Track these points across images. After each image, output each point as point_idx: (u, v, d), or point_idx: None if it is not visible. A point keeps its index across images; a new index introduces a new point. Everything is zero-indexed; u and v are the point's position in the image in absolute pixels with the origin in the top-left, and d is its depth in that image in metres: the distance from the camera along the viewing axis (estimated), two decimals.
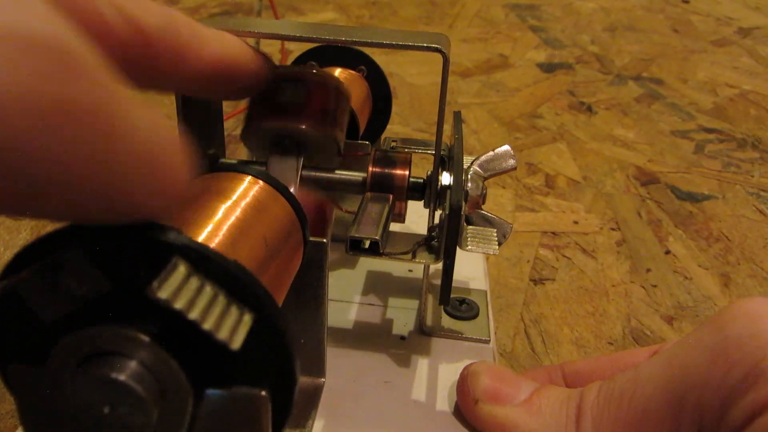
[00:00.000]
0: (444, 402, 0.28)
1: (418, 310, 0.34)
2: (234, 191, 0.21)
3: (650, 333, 0.45)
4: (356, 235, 0.26)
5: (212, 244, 0.17)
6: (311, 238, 0.24)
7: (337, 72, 0.38)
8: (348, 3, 1.22)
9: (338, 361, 0.29)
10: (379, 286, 0.36)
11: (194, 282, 0.15)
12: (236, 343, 0.15)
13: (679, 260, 0.54)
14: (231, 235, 0.18)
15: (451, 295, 0.34)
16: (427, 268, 0.34)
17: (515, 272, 0.51)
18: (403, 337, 0.32)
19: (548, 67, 0.97)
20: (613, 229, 0.58)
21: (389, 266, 0.37)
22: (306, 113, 0.27)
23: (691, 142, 0.75)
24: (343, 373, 0.29)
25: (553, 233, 0.56)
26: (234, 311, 0.15)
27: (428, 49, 0.25)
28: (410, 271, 0.37)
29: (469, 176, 0.29)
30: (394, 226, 0.29)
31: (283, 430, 0.17)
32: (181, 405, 0.15)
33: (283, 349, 0.16)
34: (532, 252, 0.54)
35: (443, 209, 0.28)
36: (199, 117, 0.28)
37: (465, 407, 0.26)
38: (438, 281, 0.32)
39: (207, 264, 0.15)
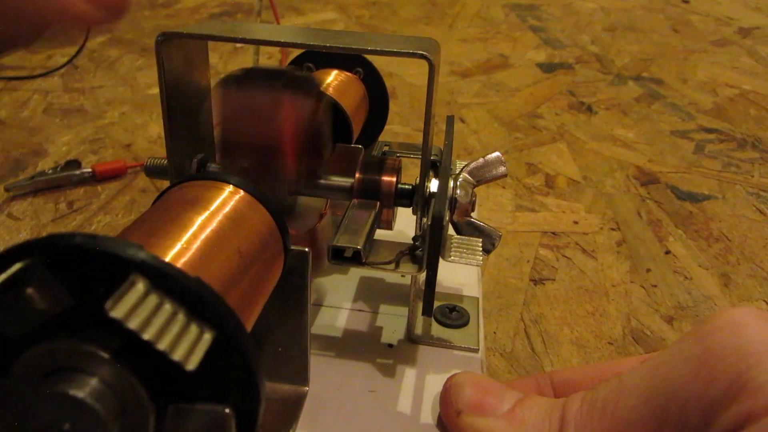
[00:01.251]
0: (428, 412, 0.28)
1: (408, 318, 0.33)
2: (211, 201, 0.20)
3: (650, 333, 0.45)
4: (338, 244, 0.25)
5: (182, 258, 0.17)
6: (293, 248, 0.24)
7: (333, 74, 0.38)
8: (348, 3, 1.22)
9: (324, 369, 0.29)
10: (371, 293, 0.35)
11: (153, 299, 0.15)
12: (192, 364, 0.15)
13: (679, 260, 0.54)
14: (203, 248, 0.18)
15: (443, 303, 0.34)
16: (414, 275, 0.33)
17: (515, 272, 0.51)
18: (391, 345, 0.32)
19: (548, 67, 0.97)
20: (613, 229, 0.58)
21: (382, 272, 0.37)
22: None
23: (691, 142, 0.75)
24: (329, 381, 0.29)
25: (553, 233, 0.56)
26: (193, 330, 0.15)
27: (413, 55, 0.25)
28: (403, 276, 0.37)
29: (458, 183, 0.29)
30: (382, 233, 0.29)
31: None
32: (142, 422, 0.15)
33: (246, 367, 0.16)
34: (532, 252, 0.54)
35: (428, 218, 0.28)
36: (186, 119, 0.28)
37: (447, 419, 0.26)
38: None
39: (166, 281, 0.15)
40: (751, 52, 1.06)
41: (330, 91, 0.35)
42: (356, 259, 0.26)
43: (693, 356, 0.21)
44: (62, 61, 0.93)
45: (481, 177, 0.30)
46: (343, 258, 0.26)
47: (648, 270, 0.52)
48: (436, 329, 0.33)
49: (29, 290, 0.14)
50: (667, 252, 0.55)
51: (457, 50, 1.01)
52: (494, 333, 0.44)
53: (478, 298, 0.36)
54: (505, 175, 0.31)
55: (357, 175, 0.29)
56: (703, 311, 0.48)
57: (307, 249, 0.24)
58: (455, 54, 1.00)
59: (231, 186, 0.22)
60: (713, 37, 1.13)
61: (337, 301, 0.35)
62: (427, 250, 0.27)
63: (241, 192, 0.22)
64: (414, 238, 0.28)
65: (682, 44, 1.09)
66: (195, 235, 0.18)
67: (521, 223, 0.58)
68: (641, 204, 0.62)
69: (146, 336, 0.14)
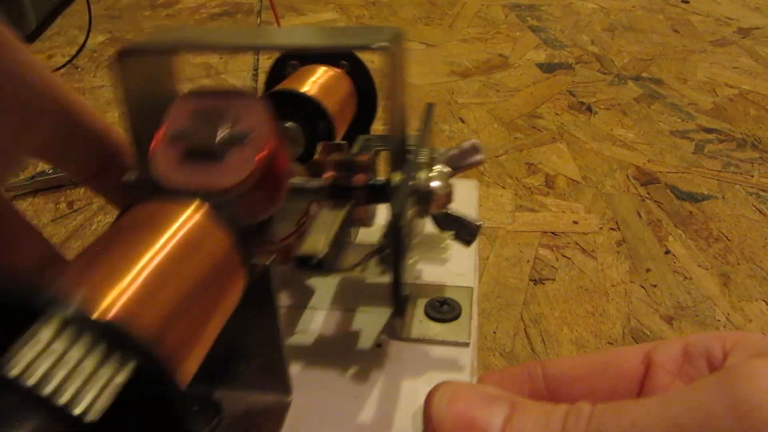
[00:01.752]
0: (413, 416, 0.27)
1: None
2: (164, 222, 0.20)
3: (650, 333, 0.45)
4: (302, 253, 0.25)
5: (122, 290, 0.17)
6: (254, 262, 0.23)
7: (319, 71, 0.37)
8: (348, 3, 1.22)
9: (309, 375, 0.29)
10: (354, 293, 0.35)
11: (58, 347, 0.14)
12: (93, 415, 0.14)
13: (678, 260, 0.54)
14: (149, 275, 0.18)
15: (434, 296, 0.33)
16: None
17: (515, 272, 0.51)
18: (379, 345, 0.31)
19: (548, 67, 0.97)
20: (612, 229, 0.58)
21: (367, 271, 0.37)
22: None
23: (691, 142, 0.75)
24: (313, 387, 0.28)
25: (553, 233, 0.56)
26: (103, 375, 0.15)
27: (371, 48, 0.24)
28: None
29: (433, 175, 0.28)
30: (367, 230, 0.28)
31: None
32: None
33: (170, 408, 0.16)
34: (532, 252, 0.54)
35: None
36: (152, 129, 0.27)
37: None
38: (417, 281, 0.31)
39: (80, 325, 0.15)
40: (750, 52, 1.06)
41: (315, 89, 0.34)
42: (321, 266, 0.25)
43: None
44: (63, 61, 0.93)
45: (457, 165, 0.30)
46: (309, 266, 0.25)
47: (648, 270, 0.52)
48: (425, 325, 0.32)
49: None
50: (667, 252, 0.55)
51: (457, 50, 1.01)
52: (494, 333, 0.44)
53: (472, 288, 0.35)
54: (482, 162, 0.30)
55: (325, 175, 0.28)
56: (703, 311, 0.48)
57: (267, 263, 0.24)
58: (455, 54, 1.00)
59: (187, 203, 0.21)
60: (713, 37, 1.13)
61: (319, 303, 0.34)
62: (393, 251, 0.26)
63: (200, 207, 0.21)
64: (382, 237, 0.28)
65: (682, 44, 1.09)
66: (140, 261, 0.18)
67: (521, 223, 0.58)
68: (641, 204, 0.62)
69: (43, 391, 0.14)
